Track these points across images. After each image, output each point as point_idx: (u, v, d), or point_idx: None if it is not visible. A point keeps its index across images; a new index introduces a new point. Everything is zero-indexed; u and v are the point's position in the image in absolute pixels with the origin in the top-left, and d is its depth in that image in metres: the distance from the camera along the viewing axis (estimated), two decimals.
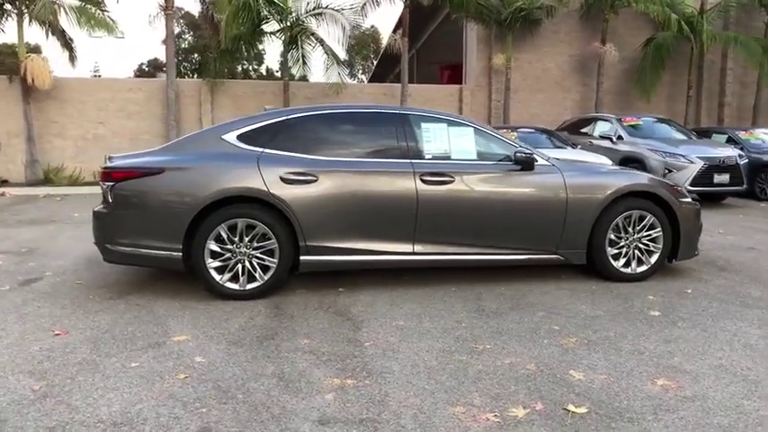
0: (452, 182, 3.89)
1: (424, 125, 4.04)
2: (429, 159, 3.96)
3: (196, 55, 37.82)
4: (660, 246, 4.22)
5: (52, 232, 6.40)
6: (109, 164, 3.79)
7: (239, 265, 3.70)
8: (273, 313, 3.48)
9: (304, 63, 13.05)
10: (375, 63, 32.21)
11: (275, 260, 3.72)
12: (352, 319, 3.35)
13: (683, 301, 3.75)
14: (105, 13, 13.38)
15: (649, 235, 4.21)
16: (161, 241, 3.64)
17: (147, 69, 39.03)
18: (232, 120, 4.08)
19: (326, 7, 12.35)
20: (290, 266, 3.78)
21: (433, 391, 2.41)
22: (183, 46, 38.99)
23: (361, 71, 50.99)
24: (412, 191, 3.84)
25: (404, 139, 3.96)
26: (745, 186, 8.87)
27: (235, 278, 3.70)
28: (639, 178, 4.31)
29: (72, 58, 13.90)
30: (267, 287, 3.74)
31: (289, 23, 12.33)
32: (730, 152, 8.91)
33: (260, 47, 13.08)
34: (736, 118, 15.29)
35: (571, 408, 2.27)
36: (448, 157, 4.01)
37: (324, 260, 3.82)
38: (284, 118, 3.93)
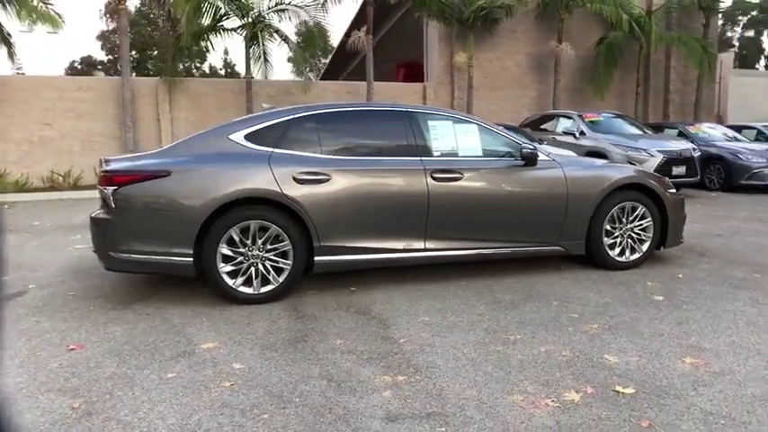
0: (461, 178, 3.96)
1: (430, 123, 4.09)
2: (438, 157, 4.01)
3: (134, 52, 36.27)
4: (650, 235, 4.45)
5: (15, 243, 6.02)
6: (108, 167, 3.62)
7: (252, 269, 3.63)
8: (294, 315, 3.44)
9: (266, 60, 12.83)
10: (327, 60, 32.02)
11: (289, 262, 3.67)
12: (377, 318, 3.36)
13: (679, 285, 3.97)
14: (49, 6, 12.70)
15: (641, 225, 4.43)
16: (170, 247, 3.52)
17: (80, 67, 37.09)
18: (237, 119, 3.99)
19: (289, 3, 12.20)
20: (303, 268, 3.74)
21: (485, 382, 2.46)
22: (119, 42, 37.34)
23: (308, 69, 50.59)
24: (423, 188, 3.88)
25: (413, 136, 3.99)
26: (698, 177, 9.44)
27: (248, 282, 3.63)
28: (631, 171, 4.52)
29: (11, 54, 13.10)
30: (282, 290, 3.69)
31: (251, 19, 12.08)
32: (686, 145, 9.46)
33: (202, 44, 12.54)
34: (679, 113, 16.21)
35: (619, 389, 2.38)
36: (455, 155, 4.08)
37: (338, 260, 3.80)
38: (292, 117, 3.87)
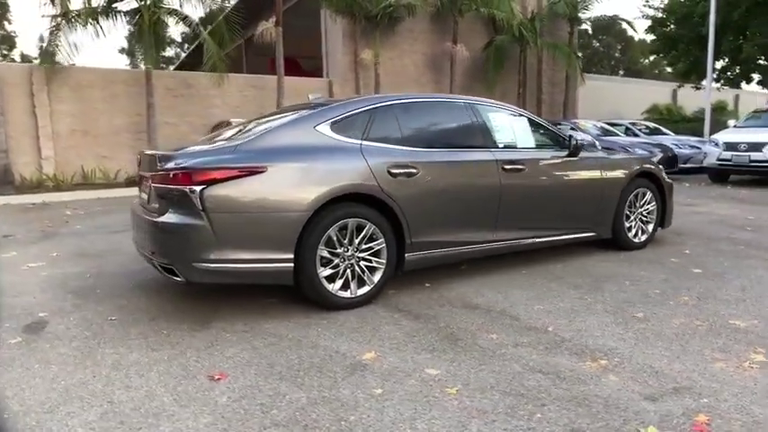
0: (524, 170, 4.08)
1: (491, 115, 4.14)
2: (503, 149, 4.07)
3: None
4: (654, 217, 5.02)
5: None
6: (182, 163, 3.07)
7: (348, 271, 3.36)
8: (409, 315, 3.26)
9: (158, 49, 11.62)
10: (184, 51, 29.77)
11: (383, 261, 3.47)
12: (494, 310, 3.33)
13: (697, 259, 4.54)
14: None
15: (647, 209, 4.97)
16: (268, 252, 3.10)
17: None
18: (316, 107, 3.61)
19: None
20: (395, 266, 3.56)
21: (676, 356, 2.61)
22: None
23: (141, 60, 46.58)
24: (497, 180, 3.93)
25: (481, 128, 4.01)
26: None
27: (343, 286, 3.35)
28: (646, 161, 5.03)
29: None
30: (376, 291, 3.47)
31: (148, 2, 10.82)
32: (588, 138, 10.69)
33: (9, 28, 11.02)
34: (549, 113, 18.18)
35: None
36: (515, 146, 4.18)
37: (426, 256, 3.68)
38: (371, 106, 3.63)
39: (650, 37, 19.40)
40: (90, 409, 2.20)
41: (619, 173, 4.68)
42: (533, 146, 4.30)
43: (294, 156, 3.24)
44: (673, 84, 26.56)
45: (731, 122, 11.50)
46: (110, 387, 2.39)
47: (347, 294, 3.35)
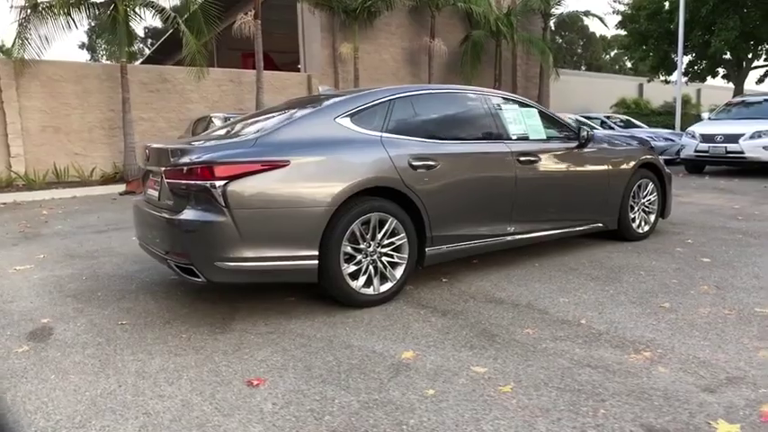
0: (538, 161, 4.04)
1: (503, 106, 4.08)
2: (516, 140, 4.02)
3: None
4: (656, 207, 5.07)
5: None
6: (199, 156, 2.89)
7: (371, 267, 3.25)
8: (437, 312, 3.18)
9: (130, 43, 11.20)
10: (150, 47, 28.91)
11: (404, 256, 3.37)
12: (520, 304, 3.28)
13: (701, 249, 4.60)
14: None
15: (649, 199, 5.01)
16: (292, 249, 2.97)
17: None
18: (333, 99, 3.47)
19: None
20: (416, 261, 3.47)
21: (718, 345, 2.60)
22: None
23: (104, 56, 45.24)
24: (513, 172, 3.88)
25: (496, 120, 3.95)
26: None
27: (367, 282, 3.25)
28: (648, 151, 5.06)
29: None
30: (398, 287, 3.38)
31: None
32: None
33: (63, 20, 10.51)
34: None
35: None
36: (527, 138, 4.13)
37: (445, 250, 3.60)
38: (389, 98, 3.52)
39: (612, 33, 19.86)
40: (126, 423, 2.05)
41: (624, 163, 4.69)
42: (544, 137, 4.26)
43: (316, 149, 3.11)
44: (638, 78, 27.27)
45: (705, 115, 11.81)
46: (140, 397, 2.23)
47: (370, 291, 3.25)
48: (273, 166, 2.92)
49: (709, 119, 11.22)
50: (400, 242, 3.35)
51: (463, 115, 3.89)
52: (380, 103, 3.47)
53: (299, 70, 15.59)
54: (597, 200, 4.53)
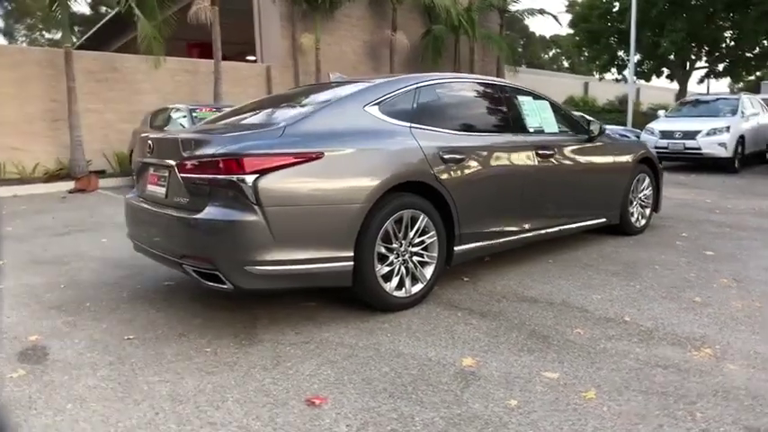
0: (554, 155, 3.95)
1: (521, 98, 3.96)
2: (534, 133, 3.91)
3: None
4: (650, 202, 5.12)
5: None
6: (230, 148, 2.56)
7: (403, 268, 3.04)
8: (474, 314, 3.01)
9: (72, 28, 10.35)
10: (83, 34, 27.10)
11: (434, 255, 3.18)
12: (556, 303, 3.17)
13: (699, 242, 4.67)
14: None
15: (645, 193, 5.06)
16: (326, 250, 2.71)
17: None
18: (356, 86, 3.21)
19: None
20: (444, 260, 3.29)
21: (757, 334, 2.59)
22: None
23: (24, 41, 42.31)
24: (533, 166, 3.76)
25: (516, 111, 3.82)
26: None
27: (399, 285, 3.03)
28: (644, 146, 5.09)
29: None
30: (429, 288, 3.18)
31: None
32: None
33: None
34: None
35: None
36: (542, 131, 4.03)
37: (471, 248, 3.44)
38: (414, 86, 3.29)
39: (551, 33, 20.40)
40: None
41: (627, 158, 4.70)
42: (557, 130, 4.18)
43: (349, 139, 2.85)
44: (584, 77, 28.28)
45: (661, 113, 12.28)
46: (188, 426, 1.93)
47: (402, 294, 3.04)
48: (307, 158, 2.64)
49: (665, 116, 11.66)
50: (430, 240, 3.15)
51: (486, 105, 3.74)
52: (407, 91, 3.24)
53: (248, 62, 15.00)
54: (605, 194, 4.50)
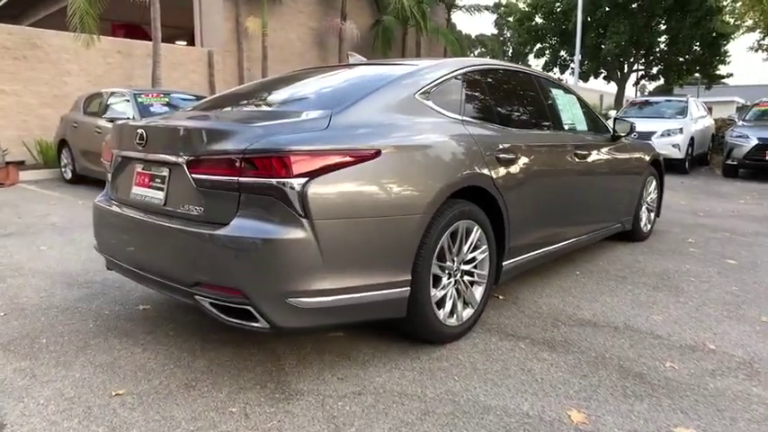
0: (588, 155, 3.58)
1: (554, 91, 3.53)
2: (569, 131, 3.52)
3: None
4: (655, 206, 4.91)
5: None
6: (270, 140, 1.91)
7: (453, 291, 2.53)
8: (543, 344, 2.55)
9: None
10: None
11: (484, 273, 2.69)
12: (629, 328, 2.78)
13: (712, 249, 4.47)
14: None
15: (652, 197, 4.82)
16: (381, 274, 2.14)
17: None
18: (400, 70, 2.61)
19: None
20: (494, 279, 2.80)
21: None
22: None
23: None
24: (573, 167, 3.36)
25: (554, 106, 3.41)
26: None
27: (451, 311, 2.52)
28: (653, 146, 4.85)
29: None
30: (479, 313, 2.69)
31: None
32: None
33: None
34: None
35: None
36: (575, 129, 3.65)
37: (518, 263, 2.98)
38: (458, 71, 2.75)
39: (477, 32, 20.66)
40: None
41: (645, 158, 4.44)
42: (586, 128, 3.81)
43: (406, 135, 2.29)
44: None
45: (612, 113, 12.49)
46: None
47: (454, 322, 2.52)
48: (362, 157, 2.05)
49: (616, 118, 11.84)
50: (482, 256, 2.66)
51: (526, 99, 3.28)
52: (453, 77, 2.71)
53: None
54: (624, 198, 4.21)
